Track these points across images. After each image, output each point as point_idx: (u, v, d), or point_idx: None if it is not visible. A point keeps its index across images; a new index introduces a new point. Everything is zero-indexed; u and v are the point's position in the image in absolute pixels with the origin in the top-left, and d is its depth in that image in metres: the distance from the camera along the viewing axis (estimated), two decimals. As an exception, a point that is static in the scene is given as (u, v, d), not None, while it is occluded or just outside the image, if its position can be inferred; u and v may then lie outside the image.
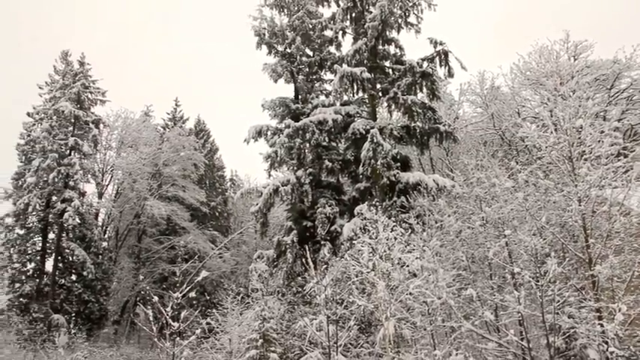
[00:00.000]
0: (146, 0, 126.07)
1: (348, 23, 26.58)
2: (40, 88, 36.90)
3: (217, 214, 46.30)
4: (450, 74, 24.50)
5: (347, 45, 27.19)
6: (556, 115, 14.30)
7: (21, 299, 30.87)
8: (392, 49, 26.02)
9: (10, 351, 22.37)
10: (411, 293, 13.33)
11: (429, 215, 18.30)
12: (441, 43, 24.48)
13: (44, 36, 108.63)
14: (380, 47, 25.74)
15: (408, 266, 14.07)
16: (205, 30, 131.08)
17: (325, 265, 16.45)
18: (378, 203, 17.04)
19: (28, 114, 36.35)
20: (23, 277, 32.51)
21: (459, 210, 17.04)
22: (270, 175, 27.57)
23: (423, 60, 24.74)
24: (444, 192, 21.26)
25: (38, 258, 33.71)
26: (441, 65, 24.47)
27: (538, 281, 10.92)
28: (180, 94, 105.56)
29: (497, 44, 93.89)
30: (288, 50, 28.64)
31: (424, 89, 24.62)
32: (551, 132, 14.08)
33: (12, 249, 32.95)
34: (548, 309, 10.93)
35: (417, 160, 31.13)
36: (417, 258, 14.06)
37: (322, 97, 28.52)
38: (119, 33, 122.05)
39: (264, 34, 28.87)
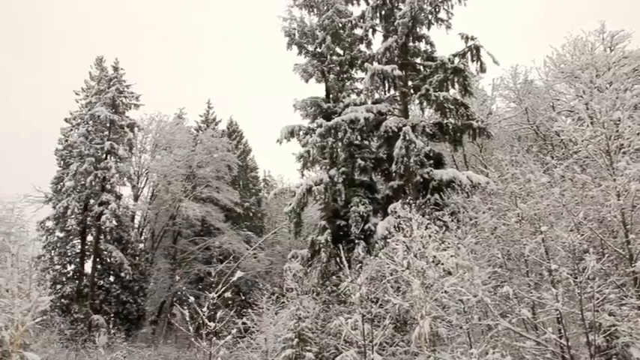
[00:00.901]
0: (174, 2, 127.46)
1: (377, 21, 26.51)
2: (76, 94, 37.79)
3: (251, 214, 46.56)
4: (482, 69, 24.24)
5: (377, 43, 27.12)
6: (592, 108, 14.00)
7: (62, 300, 31.63)
8: (422, 45, 25.88)
9: (54, 350, 22.87)
10: (446, 291, 13.21)
11: (464, 212, 18.13)
12: (472, 38, 24.22)
13: (73, 41, 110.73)
14: (410, 44, 25.61)
15: (442, 264, 13.94)
16: (235, 31, 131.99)
17: (359, 264, 16.46)
18: (411, 201, 16.93)
19: (66, 119, 37.30)
20: (64, 279, 33.35)
21: (494, 206, 16.84)
22: (303, 175, 27.61)
23: (454, 56, 24.52)
24: (478, 189, 21.00)
25: (78, 260, 34.53)
26: (472, 60, 24.21)
27: (576, 278, 10.73)
28: (211, 95, 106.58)
29: (531, 37, 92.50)
30: (319, 50, 28.65)
31: (456, 85, 24.39)
32: (588, 125, 13.79)
33: (53, 251, 33.83)
34: (587, 306, 10.72)
35: (450, 157, 30.81)
36: (451, 256, 13.94)
37: (353, 96, 28.43)
38: (148, 36, 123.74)
39: (294, 35, 28.95)
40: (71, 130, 36.79)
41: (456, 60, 24.38)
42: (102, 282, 34.32)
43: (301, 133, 27.55)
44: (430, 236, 14.25)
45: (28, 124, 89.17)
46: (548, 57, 30.94)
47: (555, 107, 29.56)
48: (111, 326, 29.06)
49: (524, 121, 30.89)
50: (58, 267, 33.56)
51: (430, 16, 25.12)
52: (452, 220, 16.61)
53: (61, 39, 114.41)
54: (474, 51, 24.14)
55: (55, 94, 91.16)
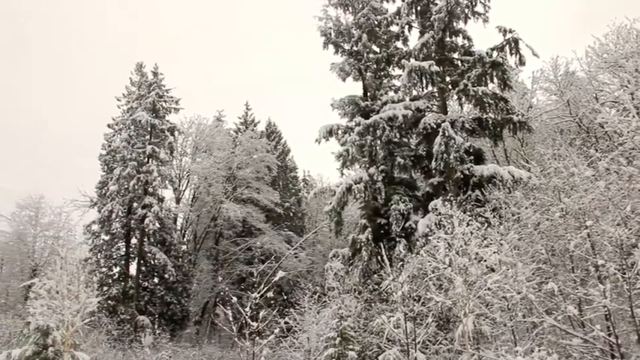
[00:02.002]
0: (208, 4, 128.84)
1: (413, 17, 26.37)
2: (117, 100, 38.62)
3: (292, 214, 46.76)
4: (522, 62, 23.88)
5: (413, 39, 26.97)
6: (638, 98, 13.64)
7: (109, 301, 32.32)
8: (460, 40, 25.60)
9: (103, 350, 23.42)
10: (489, 288, 13.06)
11: (506, 208, 17.85)
12: (510, 31, 23.86)
13: (112, 47, 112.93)
14: (447, 39, 25.38)
15: (485, 261, 13.80)
16: (270, 33, 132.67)
17: (401, 262, 16.32)
18: (452, 198, 16.75)
19: (109, 125, 38.20)
20: (110, 281, 34.15)
21: (537, 202, 16.54)
22: (342, 174, 27.60)
23: (492, 49, 24.20)
24: (520, 184, 20.68)
25: (123, 262, 35.33)
26: (511, 54, 23.86)
27: (625, 273, 10.47)
28: (249, 97, 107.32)
29: (570, 27, 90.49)
30: (355, 48, 28.65)
31: (495, 79, 24.06)
32: (633, 116, 13.45)
33: (99, 254, 34.65)
34: (637, 302, 10.46)
35: (491, 153, 30.36)
36: (494, 252, 13.79)
37: (391, 94, 28.33)
38: (184, 39, 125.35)
39: (330, 34, 28.99)
40: (114, 135, 37.64)
41: (494, 54, 24.06)
42: (146, 283, 35.02)
43: (339, 132, 27.58)
44: (472, 233, 14.10)
45: (74, 130, 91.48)
46: (589, 47, 30.11)
47: (599, 98, 28.79)
48: (156, 327, 29.51)
49: (567, 114, 30.18)
50: (104, 269, 34.40)
51: (467, 10, 24.83)
52: (494, 217, 16.36)
53: (101, 45, 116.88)
54: (513, 44, 23.78)
55: (98, 101, 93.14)
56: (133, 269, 35.23)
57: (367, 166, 26.54)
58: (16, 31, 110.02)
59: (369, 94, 28.58)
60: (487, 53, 24.08)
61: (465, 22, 25.13)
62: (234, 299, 15.91)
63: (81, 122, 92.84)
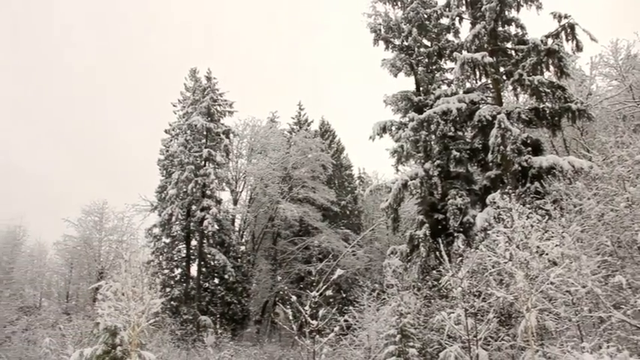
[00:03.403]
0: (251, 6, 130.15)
1: (464, 8, 25.99)
2: (173, 105, 39.52)
3: (348, 212, 46.75)
4: (579, 48, 23.10)
5: (465, 31, 26.59)
6: None
7: (172, 302, 33.18)
8: (512, 29, 25.02)
9: (167, 350, 24.05)
10: (552, 283, 12.74)
11: (567, 199, 17.37)
12: (565, 17, 23.13)
13: (167, 54, 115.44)
14: (499, 29, 24.86)
15: (547, 254, 13.46)
16: (318, 32, 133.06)
17: (460, 258, 16.11)
18: (510, 190, 16.43)
19: (166, 131, 39.15)
20: (172, 282, 35.05)
21: (600, 192, 16.02)
22: (397, 170, 27.53)
23: (547, 37, 23.54)
24: (581, 174, 20.08)
25: (184, 264, 36.20)
26: (567, 40, 23.11)
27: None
28: (301, 97, 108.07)
29: (632, 8, 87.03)
30: (405, 43, 28.44)
31: (551, 67, 23.39)
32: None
33: (161, 256, 35.62)
34: None
35: (549, 143, 29.57)
36: (556, 245, 13.44)
37: (444, 87, 27.97)
38: (233, 43, 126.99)
39: (379, 30, 28.87)
40: (171, 140, 38.54)
41: (550, 41, 23.40)
42: (207, 284, 35.71)
43: (393, 128, 27.47)
44: (532, 226, 13.78)
45: (134, 137, 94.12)
46: (652, 28, 29.04)
47: (663, 81, 27.71)
48: (217, 326, 30.16)
49: (629, 99, 29.13)
50: (166, 271, 35.32)
51: (519, -2, 24.26)
52: (554, 209, 15.96)
53: (155, 49, 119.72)
54: (569, 30, 23.04)
55: (155, 109, 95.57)
56: (193, 270, 36.10)
57: (422, 161, 26.33)
58: (76, 40, 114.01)
59: (421, 88, 28.35)
60: (542, 41, 23.43)
61: (518, 10, 24.57)
62: (294, 298, 16.04)
63: (139, 129, 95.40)
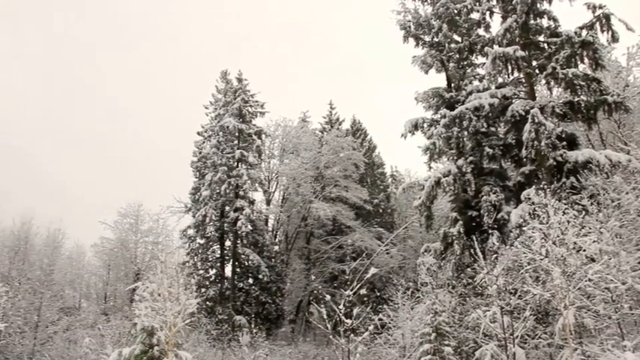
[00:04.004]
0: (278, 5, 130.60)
1: (494, 2, 25.69)
2: (205, 107, 39.99)
3: (381, 210, 46.60)
4: (614, 39, 22.58)
5: (496, 25, 26.22)
6: None
7: (207, 303, 33.61)
8: (545, 21, 24.60)
9: (203, 349, 24.34)
10: (590, 279, 12.54)
11: (604, 194, 17.05)
12: (600, 7, 22.63)
13: (198, 56, 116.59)
14: (531, 22, 24.48)
15: (584, 251, 13.24)
16: (347, 30, 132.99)
17: (494, 255, 15.94)
18: (545, 186, 16.17)
19: (198, 133, 39.63)
20: (207, 283, 35.52)
21: (639, 186, 15.67)
22: (430, 168, 27.44)
23: (581, 28, 23.07)
24: (618, 168, 19.65)
25: (218, 264, 36.65)
26: (602, 31, 22.60)
27: None
28: (332, 96, 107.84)
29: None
30: (436, 39, 28.23)
31: (585, 60, 22.91)
32: None
33: (195, 257, 36.09)
34: None
35: (585, 137, 28.95)
36: (594, 241, 13.24)
37: (476, 83, 27.70)
38: (262, 45, 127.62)
39: (409, 27, 28.72)
40: (203, 142, 38.97)
41: (584, 32, 22.94)
42: (241, 284, 36.01)
43: (425, 125, 27.33)
44: (569, 222, 13.58)
45: (165, 139, 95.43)
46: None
47: None
48: (252, 326, 30.31)
49: (668, 90, 28.39)
50: (201, 272, 35.80)
51: (551, -11, 23.87)
52: (591, 204, 15.68)
53: (187, 53, 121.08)
54: (604, 20, 22.54)
55: (187, 111, 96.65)
56: (228, 271, 36.48)
57: (455, 158, 26.11)
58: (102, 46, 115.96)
59: (452, 84, 28.14)
60: (575, 33, 22.98)
61: (550, 3, 24.18)
62: (328, 297, 16.03)
63: (172, 132, 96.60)
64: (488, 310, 15.21)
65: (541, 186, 15.82)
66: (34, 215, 36.39)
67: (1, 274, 29.43)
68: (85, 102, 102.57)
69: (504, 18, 24.90)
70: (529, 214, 16.07)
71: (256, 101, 39.45)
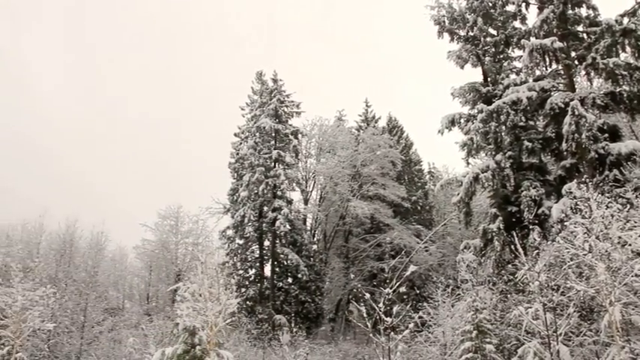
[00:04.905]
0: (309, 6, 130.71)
1: (531, -7, 25.17)
2: (241, 109, 40.35)
3: (419, 208, 46.40)
4: (658, 25, 21.93)
5: (532, 17, 25.86)
6: None
7: (247, 302, 33.96)
8: (583, 11, 24.08)
9: (244, 349, 24.60)
10: (636, 275, 12.20)
11: (650, 187, 16.58)
12: (642, -7, 22.05)
13: (233, 57, 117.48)
14: (569, 12, 24.01)
15: (630, 245, 12.90)
16: (382, 26, 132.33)
17: (536, 251, 15.68)
18: (587, 179, 15.82)
19: (235, 134, 40.02)
20: (247, 283, 35.92)
21: (685, 177, 15.22)
22: (468, 163, 27.09)
23: (622, 16, 22.49)
24: (663, 159, 19.10)
25: (257, 264, 36.97)
26: (645, 17, 22.00)
27: None
28: (367, 94, 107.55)
29: None
30: (471, 33, 27.92)
31: (627, 48, 22.30)
32: None
33: (235, 257, 36.51)
34: None
35: (628, 128, 28.26)
36: (639, 235, 12.83)
37: (513, 76, 27.27)
38: (296, 45, 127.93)
39: (443, 22, 28.43)
40: (241, 143, 39.32)
41: (625, 20, 22.34)
42: (281, 284, 36.26)
43: (462, 120, 27.06)
44: (612, 215, 13.30)
45: (204, 140, 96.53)
46: None
47: None
48: (292, 325, 30.50)
49: None
50: (240, 272, 36.18)
51: (589, -23, 23.34)
52: (636, 197, 15.25)
53: (221, 54, 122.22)
54: (646, 6, 21.95)
55: (224, 114, 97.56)
56: (267, 270, 36.84)
57: (493, 153, 25.76)
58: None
59: (489, 79, 27.76)
60: (616, 21, 22.38)
61: (589, -9, 23.63)
62: (367, 296, 15.97)
63: (209, 134, 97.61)
64: (530, 307, 14.94)
65: (583, 179, 15.47)
66: (79, 219, 37.26)
67: (49, 276, 30.28)
68: (123, 110, 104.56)
69: (541, 9, 24.46)
70: (571, 208, 15.76)
71: (292, 101, 39.71)
